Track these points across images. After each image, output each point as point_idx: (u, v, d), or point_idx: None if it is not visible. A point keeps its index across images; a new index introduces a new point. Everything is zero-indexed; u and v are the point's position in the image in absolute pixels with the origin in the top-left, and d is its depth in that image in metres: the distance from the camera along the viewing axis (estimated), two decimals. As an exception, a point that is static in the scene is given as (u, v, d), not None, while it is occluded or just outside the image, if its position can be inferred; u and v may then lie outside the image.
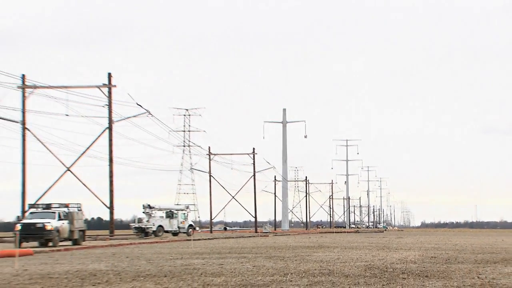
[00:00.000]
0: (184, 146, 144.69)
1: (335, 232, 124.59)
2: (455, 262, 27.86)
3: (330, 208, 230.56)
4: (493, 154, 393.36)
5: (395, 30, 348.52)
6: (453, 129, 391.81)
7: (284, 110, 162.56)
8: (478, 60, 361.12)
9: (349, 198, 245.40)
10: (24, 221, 51.36)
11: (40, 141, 67.12)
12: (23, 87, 65.75)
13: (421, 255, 34.09)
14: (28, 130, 66.19)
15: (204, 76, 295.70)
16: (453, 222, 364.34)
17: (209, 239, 71.84)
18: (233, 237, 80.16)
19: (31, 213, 53.45)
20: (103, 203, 69.03)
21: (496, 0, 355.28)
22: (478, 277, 20.40)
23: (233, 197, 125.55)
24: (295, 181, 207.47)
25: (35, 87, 66.40)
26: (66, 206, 53.11)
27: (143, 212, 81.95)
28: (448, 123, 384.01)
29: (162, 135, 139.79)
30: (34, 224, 49.48)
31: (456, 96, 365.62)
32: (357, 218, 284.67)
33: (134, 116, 71.87)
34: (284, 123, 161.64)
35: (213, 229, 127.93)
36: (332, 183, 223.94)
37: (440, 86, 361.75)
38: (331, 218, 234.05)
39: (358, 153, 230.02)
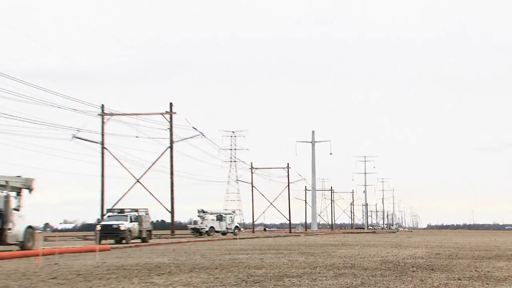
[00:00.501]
0: (230, 161, 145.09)
1: (356, 233, 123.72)
2: (456, 258, 27.55)
3: (351, 212, 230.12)
4: (487, 168, 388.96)
5: (404, 61, 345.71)
6: (454, 147, 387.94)
7: (313, 132, 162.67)
8: (476, 90, 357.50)
9: (367, 205, 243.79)
10: (103, 222, 51.78)
11: (116, 158, 67.76)
12: (102, 114, 66.44)
13: (427, 252, 33.75)
14: (106, 149, 66.82)
15: (247, 103, 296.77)
16: (453, 224, 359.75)
17: (251, 238, 71.69)
18: (271, 237, 79.98)
19: (108, 216, 53.90)
20: (165, 208, 69.24)
21: (493, 37, 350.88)
22: (475, 270, 20.17)
23: (271, 203, 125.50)
24: (322, 190, 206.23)
25: (111, 114, 67.08)
26: (136, 210, 53.47)
27: (198, 216, 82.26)
28: (450, 142, 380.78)
29: (213, 152, 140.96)
30: (111, 225, 49.86)
31: (457, 119, 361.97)
32: (374, 221, 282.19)
33: (191, 137, 72.36)
34: (313, 142, 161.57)
35: (254, 229, 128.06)
36: (352, 192, 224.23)
37: (443, 111, 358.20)
38: (352, 221, 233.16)
39: (374, 167, 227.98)
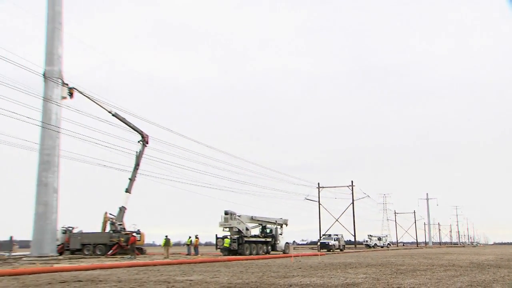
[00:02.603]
0: (383, 210, 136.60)
1: (453, 247, 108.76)
2: (518, 263, 23.16)
3: (450, 235, 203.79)
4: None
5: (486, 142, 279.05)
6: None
7: (427, 193, 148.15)
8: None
9: (458, 232, 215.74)
10: (321, 241, 50.94)
11: (325, 209, 66.97)
12: (318, 187, 66.29)
13: (495, 257, 28.74)
14: (321, 205, 66.28)
15: (393, 175, 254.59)
16: (509, 242, 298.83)
17: (396, 249, 66.06)
18: (407, 249, 72.95)
19: (323, 237, 52.99)
20: (350, 233, 66.54)
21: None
22: (531, 270, 16.85)
23: (406, 231, 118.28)
24: (433, 224, 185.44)
25: (322, 187, 66.85)
26: (336, 235, 52.02)
27: (368, 237, 77.86)
28: (508, 192, 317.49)
29: (373, 205, 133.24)
30: (325, 242, 48.95)
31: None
32: (463, 240, 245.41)
33: (362, 198, 69.79)
34: (427, 199, 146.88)
35: (398, 245, 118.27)
36: (450, 225, 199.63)
37: (500, 172, 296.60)
38: (451, 240, 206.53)
39: (461, 212, 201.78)
